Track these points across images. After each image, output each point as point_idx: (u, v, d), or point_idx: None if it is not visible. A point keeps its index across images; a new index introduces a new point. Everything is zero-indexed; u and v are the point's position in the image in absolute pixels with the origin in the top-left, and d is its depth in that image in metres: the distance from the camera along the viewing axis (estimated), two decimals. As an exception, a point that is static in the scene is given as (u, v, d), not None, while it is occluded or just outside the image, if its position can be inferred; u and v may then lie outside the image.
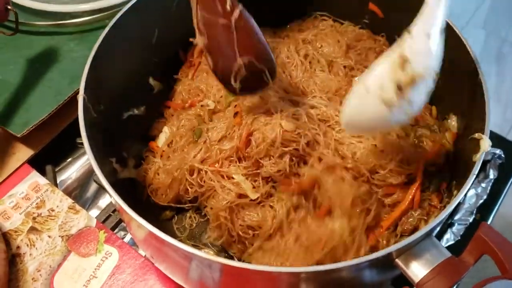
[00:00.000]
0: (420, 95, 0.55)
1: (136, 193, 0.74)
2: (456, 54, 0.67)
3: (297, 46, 0.79)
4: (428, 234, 0.53)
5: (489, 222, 0.79)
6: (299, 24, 0.86)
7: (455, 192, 0.62)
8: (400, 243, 0.51)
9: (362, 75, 0.58)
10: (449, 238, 0.76)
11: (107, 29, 0.68)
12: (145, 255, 0.72)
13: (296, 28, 0.85)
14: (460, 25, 2.02)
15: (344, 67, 0.77)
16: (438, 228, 0.59)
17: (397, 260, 0.52)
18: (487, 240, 0.50)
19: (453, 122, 0.70)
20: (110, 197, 0.77)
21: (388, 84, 0.54)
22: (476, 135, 0.58)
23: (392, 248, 0.51)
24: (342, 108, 0.60)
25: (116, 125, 0.73)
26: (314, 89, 0.74)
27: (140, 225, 0.53)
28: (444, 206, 0.65)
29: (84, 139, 0.58)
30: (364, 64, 0.77)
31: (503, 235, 0.53)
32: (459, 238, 0.76)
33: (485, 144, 0.57)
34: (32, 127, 0.79)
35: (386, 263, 0.53)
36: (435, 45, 0.54)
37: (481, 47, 2.15)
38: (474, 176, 0.55)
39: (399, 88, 0.53)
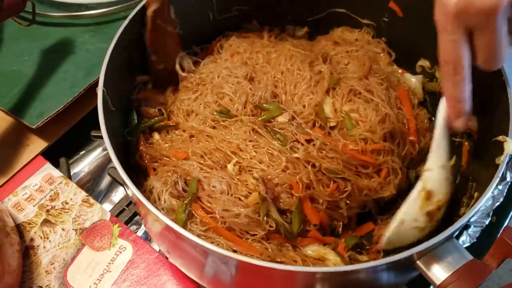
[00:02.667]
0: (445, 212, 0.63)
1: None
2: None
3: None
4: (450, 236, 0.53)
5: (505, 225, 0.78)
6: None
7: (475, 194, 0.62)
8: (421, 245, 0.51)
9: (396, 213, 0.63)
10: (464, 240, 0.75)
11: (126, 21, 0.68)
12: (159, 250, 0.72)
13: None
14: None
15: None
16: (459, 229, 0.58)
17: (418, 262, 0.52)
18: (511, 244, 0.50)
19: (474, 123, 0.69)
20: (126, 190, 0.78)
21: (420, 217, 0.62)
22: (501, 137, 0.58)
23: (414, 250, 0.51)
24: (383, 238, 0.64)
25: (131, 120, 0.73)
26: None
27: (158, 218, 0.52)
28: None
29: (104, 133, 0.58)
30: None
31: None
32: (475, 240, 0.75)
33: (510, 146, 0.56)
34: (47, 119, 0.79)
35: (407, 265, 0.53)
36: (449, 173, 0.63)
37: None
38: (498, 178, 0.54)
39: (429, 215, 0.62)
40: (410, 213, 0.62)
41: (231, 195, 0.62)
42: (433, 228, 0.63)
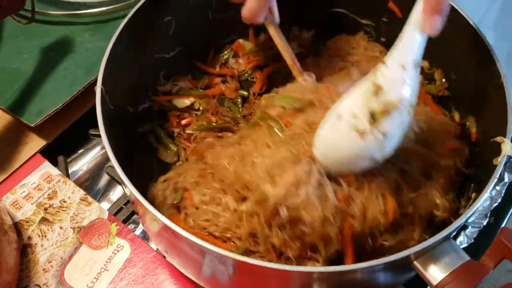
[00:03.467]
0: (394, 128, 0.54)
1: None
2: (476, 55, 0.66)
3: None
4: (447, 237, 0.53)
5: (503, 225, 0.79)
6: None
7: (473, 195, 0.62)
8: (418, 246, 0.51)
9: (335, 103, 0.57)
10: (462, 240, 0.75)
11: (125, 20, 0.68)
12: (156, 249, 0.72)
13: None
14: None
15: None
16: (457, 230, 0.58)
17: (415, 262, 0.52)
18: (509, 245, 0.50)
19: (472, 124, 0.69)
20: (124, 189, 0.78)
21: (361, 112, 0.53)
22: (498, 138, 0.58)
23: (411, 250, 0.50)
24: (315, 135, 0.58)
25: (132, 117, 0.73)
26: None
27: (155, 217, 0.52)
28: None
29: (102, 131, 0.58)
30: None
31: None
32: (473, 241, 0.75)
33: (507, 147, 0.56)
34: (46, 117, 0.79)
35: (404, 265, 0.53)
36: (409, 78, 0.53)
37: (491, 49, 2.12)
38: (496, 179, 0.54)
39: (373, 117, 0.53)
40: (351, 106, 0.54)
41: None
42: (385, 153, 0.55)
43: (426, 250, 0.52)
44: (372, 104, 0.53)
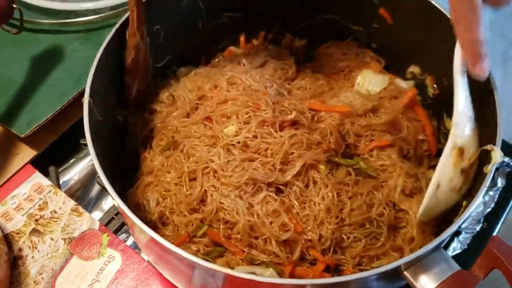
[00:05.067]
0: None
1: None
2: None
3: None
4: (438, 246, 0.52)
5: (496, 231, 0.78)
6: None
7: (464, 203, 0.61)
8: (409, 256, 0.51)
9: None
10: (455, 247, 0.75)
11: (113, 30, 0.67)
12: (148, 260, 0.72)
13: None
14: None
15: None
16: (447, 240, 0.58)
17: (405, 272, 0.52)
18: (499, 255, 0.49)
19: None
20: (113, 201, 0.77)
21: (455, 174, 0.59)
22: (488, 146, 0.57)
23: (401, 261, 0.50)
24: (420, 208, 0.62)
25: (122, 127, 0.73)
26: None
27: (143, 231, 0.52)
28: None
29: (89, 143, 0.57)
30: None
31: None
32: (466, 247, 0.75)
33: (497, 155, 0.56)
34: (36, 127, 0.78)
35: (395, 275, 0.52)
36: (474, 124, 0.60)
37: (487, 49, 2.12)
38: (485, 188, 0.54)
39: (465, 173, 0.59)
40: (445, 173, 0.59)
41: None
42: (467, 188, 0.61)
43: (416, 260, 0.51)
44: (462, 164, 0.59)
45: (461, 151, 0.58)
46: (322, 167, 0.64)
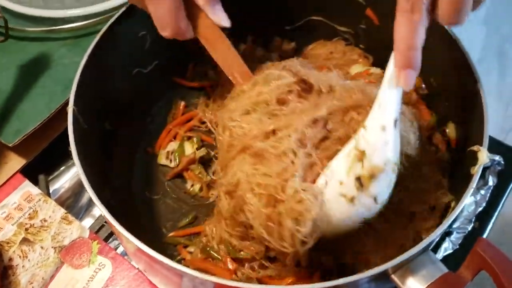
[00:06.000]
0: (383, 189, 0.54)
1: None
2: (453, 59, 0.66)
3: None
4: (425, 249, 0.52)
5: (488, 230, 0.78)
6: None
7: (452, 204, 0.61)
8: (396, 259, 0.50)
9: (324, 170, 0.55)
10: (447, 247, 0.75)
11: (97, 37, 0.67)
12: (138, 267, 0.71)
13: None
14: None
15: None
16: (435, 242, 0.57)
17: (393, 276, 0.52)
18: (485, 256, 0.49)
19: (451, 131, 0.69)
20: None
21: (346, 178, 0.53)
22: (475, 147, 0.57)
23: (388, 264, 0.50)
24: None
25: (109, 136, 0.72)
26: None
27: (128, 240, 0.52)
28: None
29: (74, 153, 0.57)
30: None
31: (502, 244, 0.52)
32: (458, 247, 0.75)
33: (483, 156, 0.55)
34: (24, 136, 0.78)
35: (382, 279, 0.52)
36: (391, 137, 0.53)
37: (482, 44, 2.11)
38: (472, 189, 0.54)
39: (360, 183, 0.52)
40: (337, 172, 0.54)
41: None
42: (376, 211, 0.54)
43: (404, 263, 0.51)
44: (357, 170, 0.52)
45: (361, 155, 0.52)
46: None
